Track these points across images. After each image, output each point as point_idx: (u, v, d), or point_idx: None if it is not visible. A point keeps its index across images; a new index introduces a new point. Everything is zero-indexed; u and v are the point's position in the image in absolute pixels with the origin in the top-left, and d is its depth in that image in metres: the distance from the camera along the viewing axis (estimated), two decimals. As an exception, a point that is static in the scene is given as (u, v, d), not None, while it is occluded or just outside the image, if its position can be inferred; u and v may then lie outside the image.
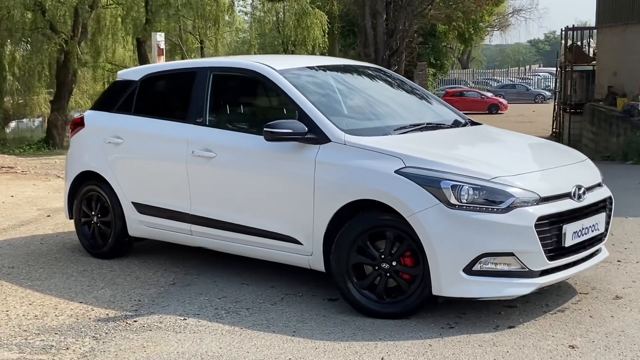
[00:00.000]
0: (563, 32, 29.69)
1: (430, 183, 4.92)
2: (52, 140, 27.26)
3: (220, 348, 4.69)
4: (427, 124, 5.99)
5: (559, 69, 31.52)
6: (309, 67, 6.31)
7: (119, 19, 28.48)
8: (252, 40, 36.55)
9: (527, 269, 4.89)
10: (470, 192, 4.86)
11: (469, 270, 4.84)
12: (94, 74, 31.12)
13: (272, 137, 5.47)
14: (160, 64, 7.53)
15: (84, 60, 28.37)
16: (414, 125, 5.87)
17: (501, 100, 48.80)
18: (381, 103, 6.38)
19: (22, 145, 27.86)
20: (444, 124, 6.17)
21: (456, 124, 6.27)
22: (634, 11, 22.39)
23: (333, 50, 35.72)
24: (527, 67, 79.21)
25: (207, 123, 6.17)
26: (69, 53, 26.36)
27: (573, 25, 32.35)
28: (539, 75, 66.72)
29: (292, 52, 36.53)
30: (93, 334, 5.02)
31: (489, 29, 53.03)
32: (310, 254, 5.50)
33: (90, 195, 7.01)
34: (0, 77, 27.05)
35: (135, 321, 5.24)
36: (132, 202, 6.62)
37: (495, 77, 67.32)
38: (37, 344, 4.86)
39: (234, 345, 4.73)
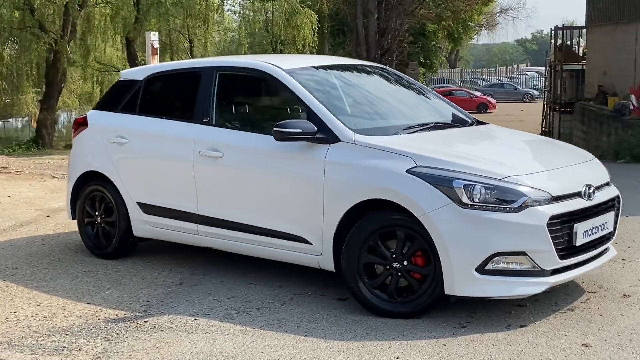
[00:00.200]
0: (553, 32, 29.83)
1: (443, 182, 4.92)
2: (41, 140, 27.08)
3: (234, 348, 4.68)
4: (435, 123, 6.00)
5: (548, 68, 31.65)
6: (314, 67, 6.30)
7: (108, 18, 28.35)
8: (242, 39, 36.47)
9: (538, 268, 4.91)
10: (483, 191, 4.86)
11: (481, 269, 4.85)
12: (84, 74, 30.97)
13: (282, 137, 5.46)
14: (164, 64, 7.50)
15: (73, 59, 28.22)
16: (422, 125, 5.87)
17: (490, 99, 48.97)
18: (388, 102, 6.39)
19: (10, 145, 27.67)
20: (451, 124, 6.18)
21: (463, 123, 6.28)
22: (623, 11, 22.52)
23: (322, 50, 35.68)
24: (515, 66, 79.47)
25: (214, 123, 6.15)
26: (59, 52, 26.20)
27: (563, 24, 32.53)
28: (526, 74, 66.97)
29: (281, 51, 36.49)
30: (104, 335, 5.00)
31: (476, 28, 53.18)
32: (319, 254, 5.50)
33: (93, 195, 6.97)
34: (-12, 77, 26.90)
35: (145, 322, 5.22)
36: (137, 202, 6.59)
37: (484, 77, 67.53)
38: (49, 345, 4.83)
39: (248, 346, 4.72)
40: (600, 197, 5.32)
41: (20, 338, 4.96)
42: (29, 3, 25.35)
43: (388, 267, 5.14)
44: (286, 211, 5.65)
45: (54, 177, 12.70)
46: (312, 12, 32.76)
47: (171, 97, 6.93)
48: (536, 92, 56.21)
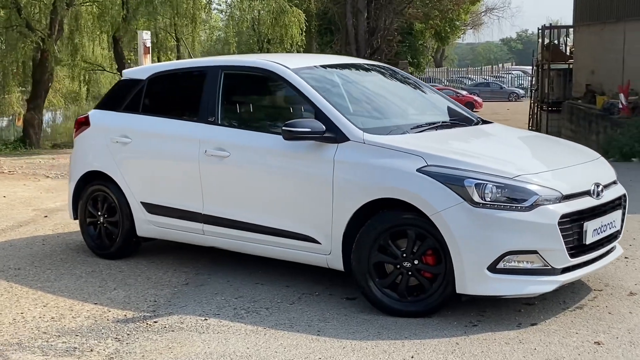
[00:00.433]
0: (540, 31, 29.95)
1: (454, 181, 4.93)
2: (28, 139, 26.89)
3: (248, 348, 4.67)
4: (442, 122, 6.01)
5: (535, 67, 31.78)
6: (319, 66, 6.29)
7: (96, 17, 28.19)
8: (230, 38, 36.35)
9: (549, 267, 4.93)
10: (494, 190, 4.88)
11: (493, 268, 4.87)
12: (72, 73, 30.76)
13: (291, 136, 5.45)
14: (168, 63, 7.46)
15: (60, 58, 28.04)
16: (430, 124, 5.88)
17: (476, 98, 49.08)
18: (393, 101, 6.39)
19: (-3, 144, 27.49)
20: (457, 123, 6.19)
21: (468, 122, 6.30)
22: (612, 10, 22.66)
23: (310, 49, 35.65)
24: (501, 65, 79.78)
25: (220, 122, 6.13)
26: (46, 51, 26.03)
27: (550, 24, 32.65)
28: (512, 73, 67.24)
29: (268, 51, 36.44)
30: (115, 336, 4.97)
31: (463, 27, 53.35)
32: (328, 253, 5.49)
33: (96, 195, 6.93)
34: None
35: (155, 322, 5.19)
36: (141, 202, 6.56)
37: (469, 76, 67.73)
38: (60, 346, 4.80)
39: (261, 345, 4.71)
40: (608, 196, 5.35)
41: (30, 339, 4.93)
42: (15, 2, 25.17)
43: (398, 266, 5.15)
44: (294, 210, 5.64)
45: (48, 177, 12.63)
46: (299, 11, 32.72)
47: (175, 97, 6.88)
48: (522, 91, 56.41)
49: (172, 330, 5.02)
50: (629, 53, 20.83)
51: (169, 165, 6.41)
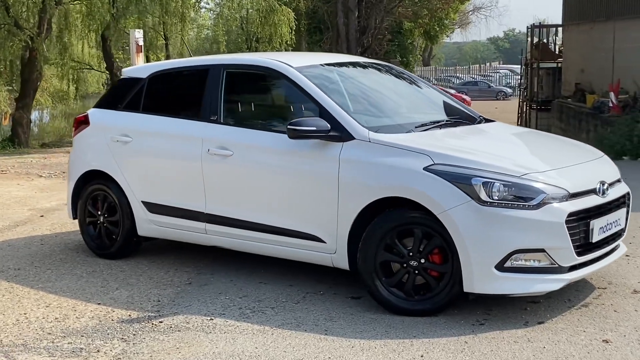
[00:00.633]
0: (529, 30, 30.05)
1: (461, 180, 4.92)
2: (17, 138, 26.71)
3: (256, 348, 4.65)
4: (446, 120, 6.00)
5: (524, 66, 31.88)
6: (322, 65, 6.28)
7: (84, 15, 28.04)
8: (220, 37, 36.28)
9: (556, 265, 4.93)
10: (502, 188, 4.87)
11: (500, 266, 4.86)
12: (61, 72, 30.60)
13: (296, 135, 5.43)
14: (168, 61, 7.42)
15: (48, 57, 27.87)
16: (434, 122, 5.88)
17: (465, 97, 49.06)
18: (396, 100, 6.38)
19: (-14, 144, 27.29)
20: (461, 121, 6.19)
21: (472, 120, 6.29)
22: (601, 9, 22.75)
23: (299, 48, 35.59)
24: (488, 64, 79.96)
25: (222, 121, 6.10)
26: (35, 50, 25.86)
27: (540, 22, 32.74)
28: (499, 72, 67.38)
29: (256, 49, 36.36)
30: (121, 336, 4.94)
31: (451, 26, 53.42)
32: (333, 252, 5.47)
33: (96, 195, 6.89)
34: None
35: (160, 322, 5.16)
36: (142, 202, 6.52)
37: (457, 74, 67.83)
38: (66, 347, 4.77)
39: (269, 345, 4.69)
40: (613, 194, 5.36)
41: (35, 340, 4.89)
42: (3, 0, 25.00)
43: (405, 265, 5.13)
44: (299, 209, 5.62)
45: (41, 176, 12.54)
46: (289, 9, 32.67)
47: (177, 95, 6.83)
48: (510, 90, 56.53)
49: (179, 330, 4.99)
50: (618, 52, 20.93)
51: (171, 164, 6.37)
